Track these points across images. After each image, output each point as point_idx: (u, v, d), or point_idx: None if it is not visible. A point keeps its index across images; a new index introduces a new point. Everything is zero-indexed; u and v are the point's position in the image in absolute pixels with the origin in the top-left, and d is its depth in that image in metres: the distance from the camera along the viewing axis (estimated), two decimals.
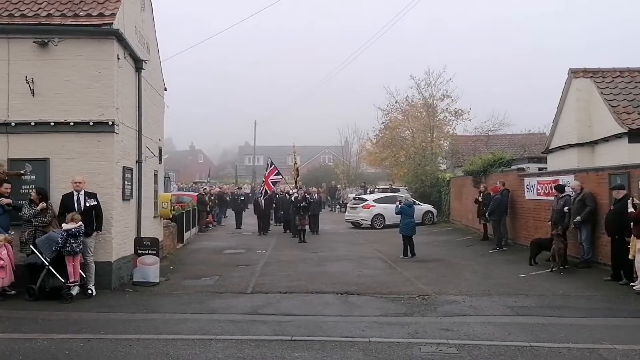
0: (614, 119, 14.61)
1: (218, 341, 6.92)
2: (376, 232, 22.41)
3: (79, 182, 9.81)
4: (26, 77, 10.02)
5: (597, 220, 11.73)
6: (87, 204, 9.75)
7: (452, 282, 11.09)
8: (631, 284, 9.90)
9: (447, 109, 32.19)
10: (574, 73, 16.48)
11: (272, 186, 22.71)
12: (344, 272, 12.38)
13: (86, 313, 8.48)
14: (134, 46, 11.48)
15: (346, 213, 26.53)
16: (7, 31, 10.18)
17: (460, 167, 27.91)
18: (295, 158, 28.82)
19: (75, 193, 9.77)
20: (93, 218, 9.81)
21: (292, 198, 20.84)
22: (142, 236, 11.64)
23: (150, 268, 10.86)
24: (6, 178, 9.81)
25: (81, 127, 10.16)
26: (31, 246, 9.40)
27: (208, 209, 24.38)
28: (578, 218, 11.84)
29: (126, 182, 11.00)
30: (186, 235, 18.88)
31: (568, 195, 12.47)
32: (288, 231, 21.64)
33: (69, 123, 10.13)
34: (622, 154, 13.79)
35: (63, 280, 9.21)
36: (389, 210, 22.21)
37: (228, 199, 29.40)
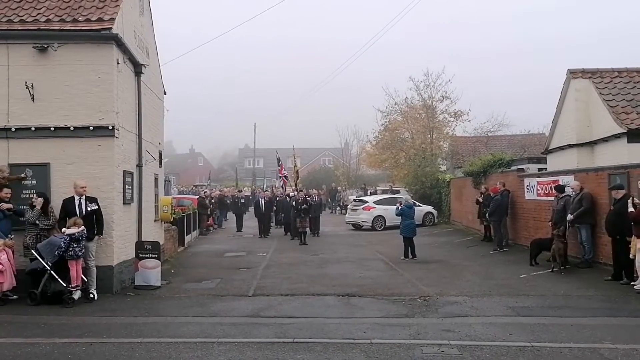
0: (613, 119, 14.62)
1: (220, 344, 6.94)
2: (377, 233, 22.42)
3: (85, 187, 9.85)
4: (26, 82, 10.03)
5: (597, 220, 11.75)
6: (88, 209, 9.78)
7: (453, 283, 11.10)
8: (632, 283, 9.92)
9: (446, 110, 32.21)
10: (573, 74, 16.49)
11: (286, 180, 22.89)
12: (345, 274, 12.39)
13: (88, 317, 8.51)
14: (133, 50, 11.51)
15: (347, 215, 26.52)
16: (7, 37, 10.21)
17: (460, 168, 27.91)
18: (295, 160, 28.84)
19: (76, 198, 9.80)
20: (94, 222, 9.83)
21: (293, 202, 20.84)
22: (143, 240, 11.65)
23: (151, 272, 10.87)
24: (7, 183, 9.83)
25: (81, 131, 10.18)
26: (32, 251, 9.41)
27: (209, 212, 24.38)
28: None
29: (127, 186, 11.02)
30: (187, 238, 18.88)
31: (568, 195, 12.49)
32: (289, 233, 21.64)
33: (69, 128, 10.16)
34: (622, 154, 13.79)
35: (65, 285, 9.24)
36: (389, 212, 22.23)
37: (229, 202, 29.41)
